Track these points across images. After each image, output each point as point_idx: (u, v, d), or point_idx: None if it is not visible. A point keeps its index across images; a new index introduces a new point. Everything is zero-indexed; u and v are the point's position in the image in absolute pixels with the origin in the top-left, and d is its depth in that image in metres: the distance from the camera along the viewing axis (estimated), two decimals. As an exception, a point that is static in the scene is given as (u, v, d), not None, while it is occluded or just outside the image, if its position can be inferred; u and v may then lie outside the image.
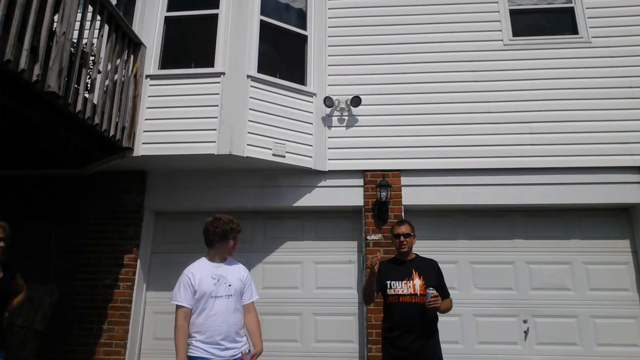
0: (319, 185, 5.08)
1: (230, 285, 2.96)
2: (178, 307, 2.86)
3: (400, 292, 3.15)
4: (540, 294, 4.86)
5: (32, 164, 5.05)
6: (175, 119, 4.64)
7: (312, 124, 5.08)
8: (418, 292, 3.10)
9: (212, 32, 4.86)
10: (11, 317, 3.67)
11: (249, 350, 2.98)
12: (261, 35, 5.00)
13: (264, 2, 5.10)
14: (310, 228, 5.26)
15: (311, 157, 4.98)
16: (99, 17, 4.06)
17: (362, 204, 5.02)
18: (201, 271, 2.94)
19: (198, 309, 2.85)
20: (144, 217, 5.16)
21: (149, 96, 4.74)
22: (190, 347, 2.82)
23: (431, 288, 3.02)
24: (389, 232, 3.27)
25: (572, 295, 4.85)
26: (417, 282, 3.14)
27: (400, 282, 3.17)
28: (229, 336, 2.86)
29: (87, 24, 3.93)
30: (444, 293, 3.19)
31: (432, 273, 3.23)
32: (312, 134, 5.04)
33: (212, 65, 4.78)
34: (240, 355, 2.90)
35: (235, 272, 3.06)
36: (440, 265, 3.31)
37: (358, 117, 5.23)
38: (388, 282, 3.20)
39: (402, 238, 3.25)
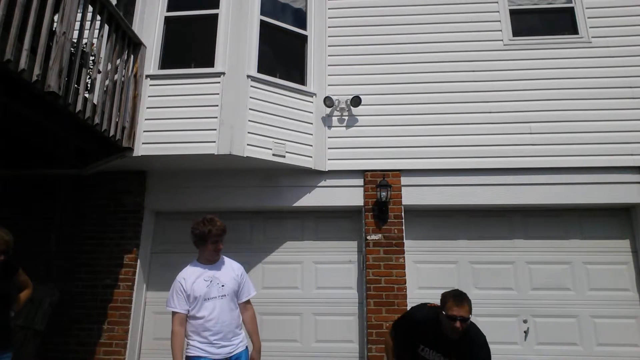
0: (319, 185, 5.08)
1: (223, 286, 2.98)
2: (173, 313, 2.92)
3: None
4: (540, 294, 4.86)
5: (32, 164, 5.04)
6: (175, 119, 4.64)
7: (312, 124, 5.08)
8: None
9: (212, 32, 4.85)
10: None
11: (246, 347, 3.02)
12: (261, 35, 5.00)
13: (264, 2, 5.10)
14: (310, 228, 5.26)
15: (311, 157, 4.98)
16: (99, 17, 4.05)
17: (362, 204, 5.02)
18: (193, 275, 2.97)
19: (193, 312, 2.90)
20: (143, 217, 5.16)
21: (149, 96, 4.74)
22: (188, 347, 2.90)
23: None
24: (440, 304, 2.68)
25: (572, 295, 4.85)
26: None
27: (434, 352, 2.71)
28: (224, 335, 2.90)
29: (87, 24, 3.92)
30: None
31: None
32: (312, 134, 5.04)
33: (212, 65, 4.78)
34: (237, 351, 2.94)
35: (228, 272, 3.06)
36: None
37: (358, 117, 5.23)
38: (421, 345, 2.75)
39: (458, 323, 2.53)
